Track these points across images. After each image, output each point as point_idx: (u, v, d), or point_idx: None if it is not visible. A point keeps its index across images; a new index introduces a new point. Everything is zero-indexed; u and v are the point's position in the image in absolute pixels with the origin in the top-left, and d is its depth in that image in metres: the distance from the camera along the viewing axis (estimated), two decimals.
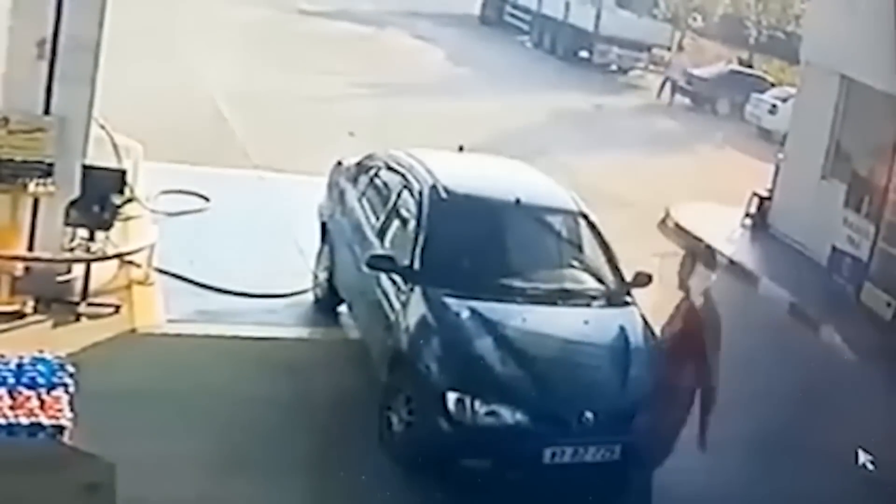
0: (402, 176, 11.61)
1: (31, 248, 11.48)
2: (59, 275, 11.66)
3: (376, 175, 12.29)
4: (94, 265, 11.72)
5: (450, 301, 9.97)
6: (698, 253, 10.21)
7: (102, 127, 12.82)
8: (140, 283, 12.37)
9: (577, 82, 37.49)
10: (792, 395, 12.46)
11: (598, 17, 42.64)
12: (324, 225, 13.03)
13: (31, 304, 11.23)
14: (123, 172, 12.24)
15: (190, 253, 13.04)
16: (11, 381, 7.19)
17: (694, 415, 9.91)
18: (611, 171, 21.87)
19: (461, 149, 13.05)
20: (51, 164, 11.26)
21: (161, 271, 12.68)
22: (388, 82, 29.23)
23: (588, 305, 10.68)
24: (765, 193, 20.64)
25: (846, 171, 18.32)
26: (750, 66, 41.55)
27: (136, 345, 11.13)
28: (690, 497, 10.13)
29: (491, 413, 9.21)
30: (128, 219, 12.90)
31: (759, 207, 20.59)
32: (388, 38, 38.12)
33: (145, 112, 16.85)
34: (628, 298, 10.86)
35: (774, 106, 33.17)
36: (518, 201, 11.12)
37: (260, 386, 10.41)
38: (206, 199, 15.52)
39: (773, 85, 36.94)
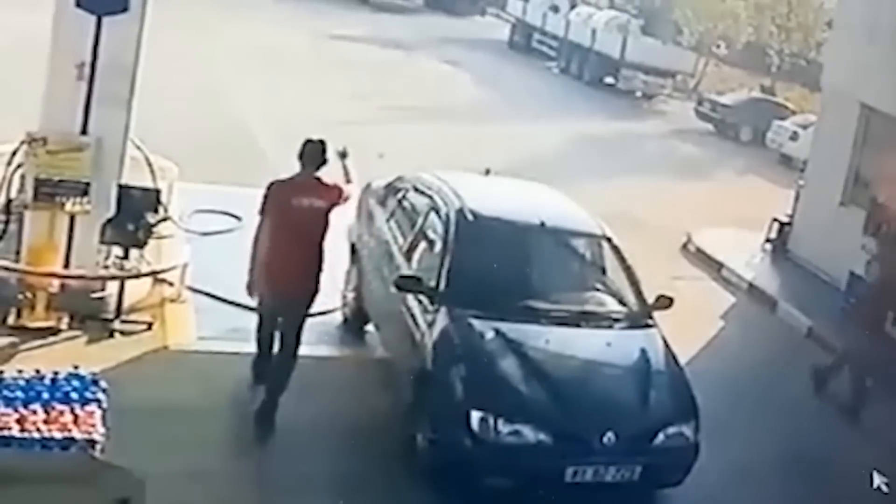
0: (430, 198, 11.73)
1: (66, 266, 11.65)
2: (94, 292, 11.80)
3: (404, 197, 12.42)
4: (127, 283, 11.87)
5: (475, 322, 10.11)
6: None
7: (139, 148, 13.02)
8: (173, 300, 12.52)
9: (602, 107, 37.64)
10: (807, 416, 12.59)
11: (624, 44, 42.83)
12: (352, 245, 13.08)
13: (65, 320, 11.40)
14: (158, 192, 12.42)
15: (222, 271, 13.18)
16: (46, 395, 7.36)
17: None
18: (634, 196, 21.89)
19: (487, 172, 13.23)
20: (87, 184, 11.42)
21: (193, 289, 12.82)
22: (419, 106, 29.32)
23: (610, 327, 10.82)
24: (785, 219, 20.71)
25: (865, 197, 18.35)
26: (772, 94, 41.63)
27: (168, 362, 11.26)
28: None
29: (514, 432, 9.34)
30: (161, 237, 13.14)
31: (780, 233, 20.64)
32: (417, 63, 38.10)
33: (179, 134, 17.12)
34: (650, 321, 10.97)
35: (795, 133, 33.21)
36: (543, 224, 11.27)
37: (287, 404, 10.41)
38: (239, 219, 15.63)
39: (794, 112, 36.97)
